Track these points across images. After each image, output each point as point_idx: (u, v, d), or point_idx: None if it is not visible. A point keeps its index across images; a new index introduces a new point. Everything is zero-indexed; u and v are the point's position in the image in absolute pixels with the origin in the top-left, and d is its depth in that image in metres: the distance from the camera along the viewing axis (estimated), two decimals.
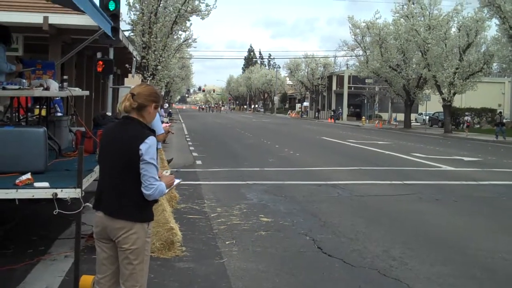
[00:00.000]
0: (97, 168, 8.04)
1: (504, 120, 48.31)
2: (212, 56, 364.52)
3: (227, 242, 9.05)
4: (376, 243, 9.25)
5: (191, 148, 27.96)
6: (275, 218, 11.09)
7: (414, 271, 7.72)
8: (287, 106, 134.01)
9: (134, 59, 28.17)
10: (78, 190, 5.49)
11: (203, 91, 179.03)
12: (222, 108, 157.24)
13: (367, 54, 64.12)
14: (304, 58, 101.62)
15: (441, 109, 56.62)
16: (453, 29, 52.56)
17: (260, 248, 8.77)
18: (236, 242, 9.11)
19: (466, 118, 51.89)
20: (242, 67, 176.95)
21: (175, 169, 16.88)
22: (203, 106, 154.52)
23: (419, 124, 70.85)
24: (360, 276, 7.47)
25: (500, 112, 49.55)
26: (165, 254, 8.07)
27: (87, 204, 5.83)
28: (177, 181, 4.87)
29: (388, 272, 7.65)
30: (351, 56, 73.87)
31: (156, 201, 4.61)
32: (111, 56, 19.38)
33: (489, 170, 20.90)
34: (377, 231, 10.20)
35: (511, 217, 12.00)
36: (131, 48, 27.16)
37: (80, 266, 6.26)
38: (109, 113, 15.76)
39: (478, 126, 60.83)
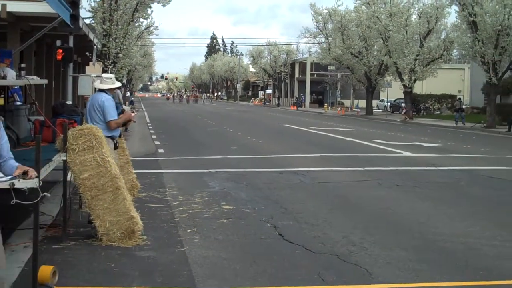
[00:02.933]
0: (56, 158, 7.99)
1: (464, 106, 49.03)
2: (174, 44, 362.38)
3: (188, 231, 9.05)
4: (336, 229, 9.34)
5: (153, 136, 27.83)
6: (237, 205, 11.12)
7: (373, 256, 7.82)
8: (250, 93, 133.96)
9: (95, 47, 27.86)
10: (36, 180, 5.44)
11: (166, 79, 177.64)
12: (205, 96, 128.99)
13: (329, 41, 64.36)
14: (266, 45, 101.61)
15: (402, 96, 57.21)
16: (414, 16, 53.12)
17: (222, 236, 8.79)
18: (197, 230, 9.12)
19: (402, 105, 53.05)
20: (205, 55, 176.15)
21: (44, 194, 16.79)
22: (170, 94, 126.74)
23: (380, 110, 71.48)
24: (320, 262, 7.54)
25: (460, 98, 50.28)
26: (126, 243, 8.04)
27: (45, 194, 5.78)
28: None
29: (348, 257, 7.73)
30: (313, 43, 74.06)
31: None
32: (71, 44, 19.18)
33: (449, 155, 21.21)
34: (337, 217, 10.30)
35: (469, 202, 12.20)
36: (91, 36, 26.90)
37: (39, 256, 6.22)
38: (69, 102, 15.60)
39: (438, 112, 61.60)
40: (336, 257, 7.76)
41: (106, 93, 9.45)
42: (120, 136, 9.97)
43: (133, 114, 10.37)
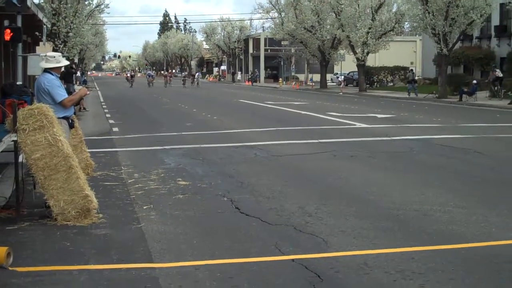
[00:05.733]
0: (6, 139, 7.86)
1: (416, 78, 49.61)
2: (126, 22, 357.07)
3: (144, 207, 9.02)
4: (292, 200, 9.41)
5: (108, 115, 27.54)
6: (193, 181, 11.11)
7: (329, 226, 7.91)
8: (204, 70, 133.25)
9: (44, 26, 27.32)
10: None
11: (119, 57, 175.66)
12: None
13: (282, 16, 64.30)
14: (220, 21, 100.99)
15: (356, 69, 57.61)
16: None
17: (178, 211, 8.78)
18: (153, 206, 9.09)
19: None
20: (158, 32, 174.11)
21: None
22: (128, 73, 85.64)
23: (334, 84, 71.87)
24: (277, 233, 7.61)
25: (412, 70, 50.83)
26: (81, 221, 7.97)
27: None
28: None
29: (304, 228, 7.81)
30: (266, 18, 73.96)
31: None
32: (19, 24, 18.74)
33: (402, 126, 21.49)
34: (293, 189, 10.38)
35: (422, 170, 12.40)
36: (40, 15, 26.34)
37: None
38: (19, 82, 15.30)
39: (391, 84, 62.26)
40: (292, 227, 7.83)
41: (51, 73, 9.18)
42: (75, 114, 9.80)
43: (87, 92, 10.16)
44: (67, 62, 10.13)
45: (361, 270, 6.18)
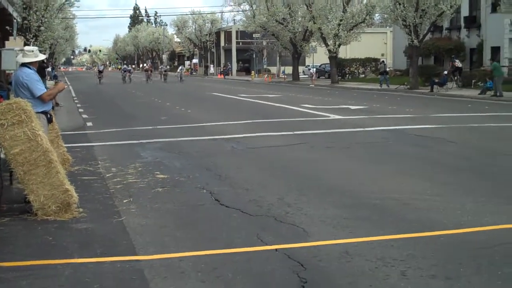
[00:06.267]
0: None
1: (387, 69, 50.00)
2: (96, 16, 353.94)
3: (124, 201, 9.02)
4: (271, 192, 9.48)
5: (80, 110, 27.37)
6: (171, 174, 11.12)
7: (309, 216, 8.00)
8: (176, 64, 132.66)
9: (15, 20, 27.03)
10: None
11: (89, 51, 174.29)
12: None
13: (254, 8, 64.22)
14: (191, 14, 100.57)
15: (328, 61, 57.84)
16: None
17: (158, 204, 8.81)
18: (133, 200, 9.09)
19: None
20: (129, 26, 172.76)
21: None
22: (102, 67, 72.04)
23: (307, 76, 72.08)
24: (257, 224, 7.68)
25: (383, 61, 51.20)
26: (62, 216, 7.97)
27: None
28: None
29: (284, 218, 7.89)
30: (237, 11, 73.75)
31: None
32: None
33: (375, 117, 21.69)
34: (271, 181, 10.45)
35: (397, 160, 12.56)
36: (10, 9, 26.04)
37: None
38: None
39: (363, 75, 62.65)
40: (273, 218, 7.91)
41: (29, 67, 9.13)
42: (53, 109, 9.76)
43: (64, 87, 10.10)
44: (44, 56, 10.09)
45: (343, 258, 6.28)
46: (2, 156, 8.41)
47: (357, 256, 6.32)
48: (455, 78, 39.52)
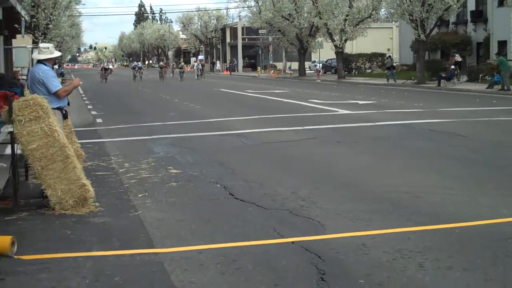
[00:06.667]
0: (3, 129, 7.92)
1: (394, 64, 49.98)
2: (101, 13, 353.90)
3: (139, 195, 9.10)
4: (284, 186, 9.54)
5: (89, 107, 27.48)
6: (184, 169, 11.20)
7: (323, 209, 8.06)
8: (181, 60, 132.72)
9: (23, 19, 27.13)
10: None
11: (95, 49, 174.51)
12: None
13: (260, 4, 64.21)
14: (196, 11, 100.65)
15: (334, 56, 57.84)
16: None
17: (173, 199, 8.88)
18: (148, 194, 9.17)
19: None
20: (134, 23, 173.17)
21: None
22: (111, 64, 72.66)
23: (312, 72, 72.06)
24: (273, 217, 7.74)
25: (390, 56, 51.18)
26: (79, 210, 8.05)
27: (1, 164, 5.76)
28: None
29: (299, 211, 7.95)
30: (243, 7, 73.75)
31: None
32: (0, 16, 18.65)
33: (384, 111, 21.72)
34: (284, 175, 10.52)
35: (409, 154, 12.61)
36: (18, 7, 26.13)
37: None
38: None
39: (370, 71, 62.64)
40: (288, 212, 7.97)
41: (45, 64, 9.22)
42: (68, 105, 9.84)
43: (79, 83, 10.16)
44: (60, 53, 10.16)
45: (360, 251, 6.34)
46: (19, 152, 8.49)
47: (374, 248, 6.38)
48: (456, 72, 39.46)
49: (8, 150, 10.08)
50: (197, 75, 62.11)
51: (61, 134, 8.18)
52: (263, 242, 6.70)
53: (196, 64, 70.26)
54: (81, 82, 9.96)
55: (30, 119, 7.98)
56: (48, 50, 9.23)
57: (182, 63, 73.34)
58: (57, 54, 9.56)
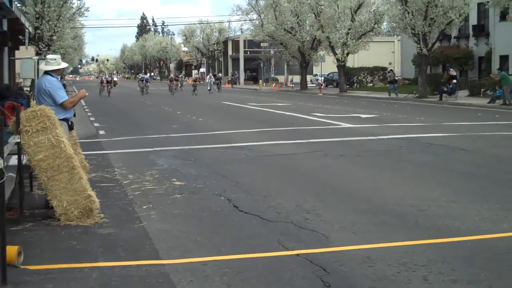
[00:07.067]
0: (11, 140, 7.97)
1: (396, 78, 50.09)
2: (104, 25, 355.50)
3: (144, 207, 9.14)
4: (288, 198, 9.58)
5: (92, 118, 27.55)
6: (188, 181, 11.24)
7: (328, 222, 8.10)
8: (183, 73, 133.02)
9: (27, 30, 27.28)
10: (0, 161, 5.45)
11: (97, 61, 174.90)
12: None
13: (262, 18, 64.51)
14: (198, 24, 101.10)
15: (336, 70, 57.99)
16: None
17: (178, 210, 8.93)
18: (153, 206, 9.21)
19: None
20: (136, 35, 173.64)
21: None
22: (109, 77, 63.86)
23: (314, 85, 72.21)
24: (278, 230, 7.77)
25: (392, 70, 51.31)
26: (84, 221, 8.09)
27: (10, 174, 5.81)
28: None
29: (304, 224, 7.99)
30: (245, 20, 74.08)
31: None
32: (5, 27, 18.77)
33: (386, 125, 21.77)
34: (288, 188, 10.55)
35: (412, 167, 12.64)
36: (23, 19, 26.28)
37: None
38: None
39: (371, 84, 62.77)
40: (292, 224, 8.00)
41: (51, 75, 9.28)
42: (74, 116, 9.90)
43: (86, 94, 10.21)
44: (66, 65, 10.22)
45: (365, 264, 6.37)
46: (24, 162, 8.54)
47: (379, 261, 6.41)
48: (450, 86, 39.43)
49: (12, 161, 10.15)
50: (209, 89, 59.34)
51: (67, 145, 8.24)
52: (268, 255, 6.73)
53: (208, 77, 65.94)
54: (87, 93, 10.01)
55: (37, 130, 8.03)
56: (55, 62, 9.29)
57: (197, 76, 70.24)
58: (64, 65, 9.63)
